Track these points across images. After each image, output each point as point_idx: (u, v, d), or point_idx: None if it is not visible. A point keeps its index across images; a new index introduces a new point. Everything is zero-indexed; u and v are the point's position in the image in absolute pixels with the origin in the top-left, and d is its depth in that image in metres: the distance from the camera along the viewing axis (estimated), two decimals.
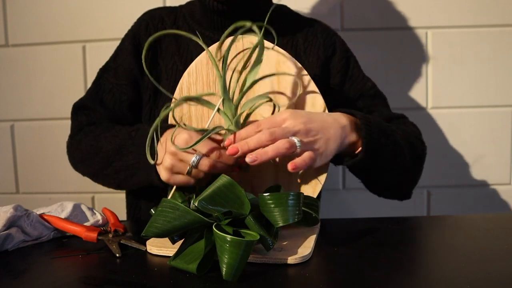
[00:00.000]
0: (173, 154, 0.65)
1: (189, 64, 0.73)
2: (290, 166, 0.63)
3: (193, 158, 0.64)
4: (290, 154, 0.63)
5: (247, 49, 0.70)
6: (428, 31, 1.21)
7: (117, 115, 0.90)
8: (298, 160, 0.64)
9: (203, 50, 0.73)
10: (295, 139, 0.63)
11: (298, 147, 0.63)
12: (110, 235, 0.68)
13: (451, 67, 1.22)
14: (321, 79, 0.88)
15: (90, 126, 0.88)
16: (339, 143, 0.68)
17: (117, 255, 0.63)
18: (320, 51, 0.90)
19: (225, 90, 0.64)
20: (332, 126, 0.67)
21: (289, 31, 0.91)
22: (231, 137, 0.65)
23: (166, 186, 0.72)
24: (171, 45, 0.90)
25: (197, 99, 0.66)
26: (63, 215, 0.74)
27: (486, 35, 1.21)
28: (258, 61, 0.67)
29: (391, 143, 0.74)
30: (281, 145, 0.61)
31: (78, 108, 0.92)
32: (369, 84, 0.92)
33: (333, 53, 0.91)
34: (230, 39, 0.71)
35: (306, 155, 0.64)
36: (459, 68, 1.22)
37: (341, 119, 0.70)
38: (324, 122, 0.67)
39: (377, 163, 0.73)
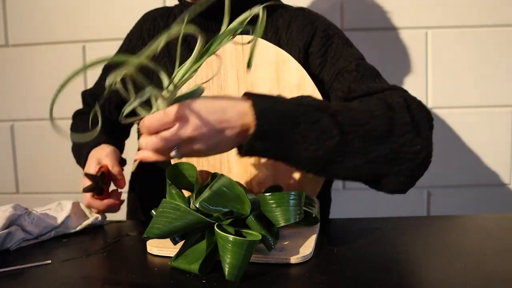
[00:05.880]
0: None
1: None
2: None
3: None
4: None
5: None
6: (428, 31, 1.21)
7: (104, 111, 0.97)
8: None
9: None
10: (174, 152, 0.57)
11: (173, 156, 0.57)
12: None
13: (451, 67, 1.22)
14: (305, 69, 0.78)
15: (83, 115, 0.99)
16: (235, 141, 0.59)
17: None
18: (300, 41, 0.81)
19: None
20: (230, 126, 0.57)
21: (273, 24, 0.84)
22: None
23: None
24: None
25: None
26: (64, 213, 0.74)
27: (486, 35, 1.21)
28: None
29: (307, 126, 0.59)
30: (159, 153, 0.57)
31: (83, 98, 1.02)
32: (350, 60, 0.78)
33: (312, 37, 0.82)
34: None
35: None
36: (459, 68, 1.22)
37: (241, 107, 0.58)
38: (222, 123, 0.57)
39: (277, 147, 0.59)
